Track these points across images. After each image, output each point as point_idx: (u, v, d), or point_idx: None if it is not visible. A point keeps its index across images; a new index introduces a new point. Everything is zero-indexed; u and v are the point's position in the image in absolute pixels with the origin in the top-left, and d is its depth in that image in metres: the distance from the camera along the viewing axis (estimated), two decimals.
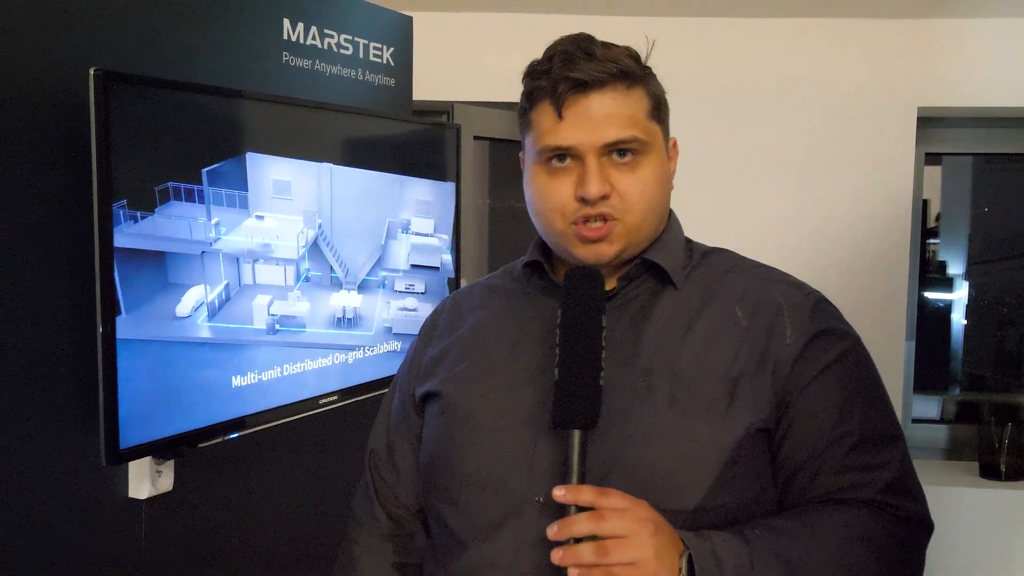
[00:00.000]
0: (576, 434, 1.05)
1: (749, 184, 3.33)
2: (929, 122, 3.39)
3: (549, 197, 1.18)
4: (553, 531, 1.01)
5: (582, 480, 1.04)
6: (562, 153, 1.16)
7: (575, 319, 1.09)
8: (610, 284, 1.22)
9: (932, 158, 3.66)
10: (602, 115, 1.14)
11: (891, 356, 3.24)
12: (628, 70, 1.16)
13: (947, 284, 3.94)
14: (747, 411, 1.13)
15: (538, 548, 1.09)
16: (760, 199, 3.32)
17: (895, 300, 3.30)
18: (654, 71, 1.22)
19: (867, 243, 3.29)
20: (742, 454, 1.13)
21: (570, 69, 1.13)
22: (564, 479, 1.05)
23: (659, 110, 1.20)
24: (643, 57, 1.20)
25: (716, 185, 3.28)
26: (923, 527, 1.19)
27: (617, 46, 1.19)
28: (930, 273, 3.97)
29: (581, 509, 1.02)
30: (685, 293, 1.22)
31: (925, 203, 3.74)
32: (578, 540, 1.01)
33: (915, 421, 3.55)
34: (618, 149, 1.15)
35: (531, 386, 1.19)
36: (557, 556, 1.00)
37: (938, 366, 3.85)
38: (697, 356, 1.16)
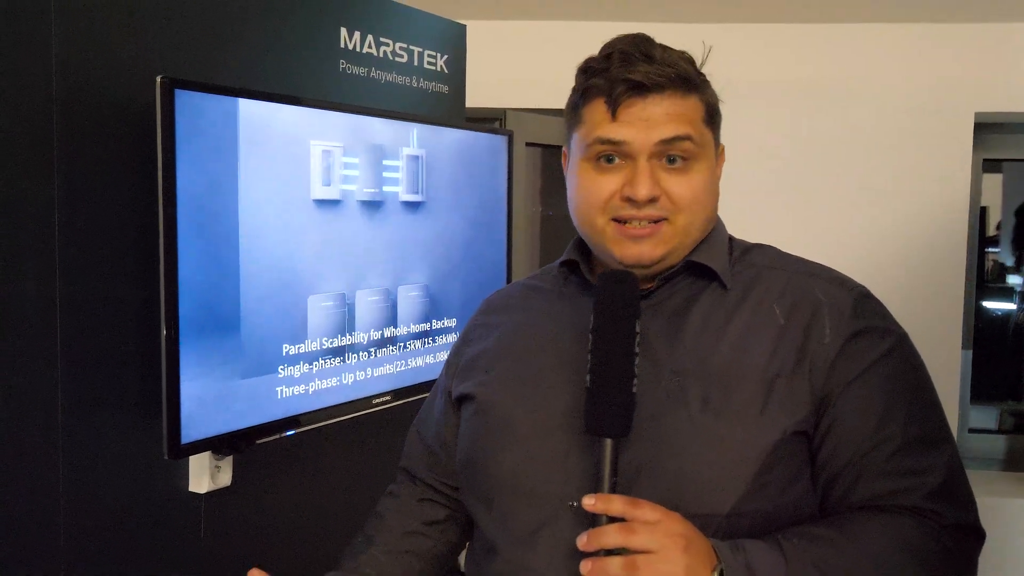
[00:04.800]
0: (608, 443, 1.03)
1: (804, 189, 3.31)
2: (987, 128, 3.34)
3: (592, 193, 1.15)
4: (583, 541, 0.99)
5: (613, 489, 1.02)
6: (611, 152, 1.13)
7: (608, 325, 1.06)
8: (648, 283, 1.19)
9: (992, 165, 3.60)
10: (658, 116, 1.12)
11: (947, 365, 3.20)
12: (686, 76, 1.13)
13: (1008, 293, 3.88)
14: (783, 413, 1.10)
15: (572, 556, 1.05)
16: (815, 204, 3.30)
17: (952, 308, 3.25)
18: (709, 77, 1.19)
19: (923, 250, 3.25)
20: (778, 458, 1.09)
21: (629, 70, 1.11)
22: (596, 486, 1.03)
23: (713, 118, 1.18)
24: (698, 63, 1.18)
25: (771, 190, 3.27)
26: (972, 535, 1.13)
27: (674, 50, 1.16)
28: (989, 282, 3.90)
29: (613, 519, 1.00)
30: (723, 291, 1.18)
31: (984, 210, 3.68)
32: (609, 551, 0.98)
33: (972, 431, 3.49)
34: (669, 155, 1.13)
35: (566, 388, 1.17)
36: (586, 568, 0.98)
37: (997, 376, 3.78)
38: (732, 356, 1.13)
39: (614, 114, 1.12)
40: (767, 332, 1.14)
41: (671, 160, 1.13)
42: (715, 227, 1.23)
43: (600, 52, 1.16)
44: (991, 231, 3.90)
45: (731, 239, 1.26)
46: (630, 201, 1.13)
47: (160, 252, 1.66)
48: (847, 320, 1.14)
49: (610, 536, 0.98)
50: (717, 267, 1.19)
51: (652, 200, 1.12)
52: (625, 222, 1.14)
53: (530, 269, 3.38)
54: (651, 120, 1.11)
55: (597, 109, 1.14)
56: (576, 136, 1.18)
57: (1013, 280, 3.88)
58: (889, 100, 3.25)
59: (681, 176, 1.14)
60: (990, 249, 3.88)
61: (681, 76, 1.13)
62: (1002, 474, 3.43)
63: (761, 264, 1.22)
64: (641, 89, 1.11)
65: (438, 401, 1.38)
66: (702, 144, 1.15)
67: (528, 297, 1.33)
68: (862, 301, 1.17)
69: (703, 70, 1.19)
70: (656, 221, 1.14)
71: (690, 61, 1.17)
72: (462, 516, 1.34)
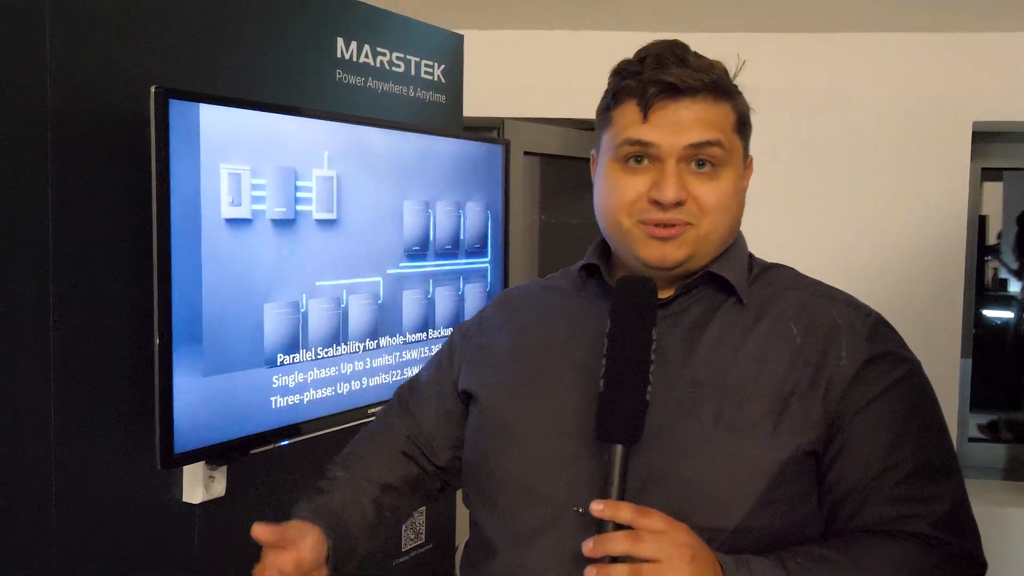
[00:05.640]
0: (618, 449, 1.02)
1: (803, 197, 3.31)
2: (986, 136, 3.34)
3: (620, 193, 1.15)
4: (589, 547, 0.99)
5: (622, 496, 1.02)
6: (641, 153, 1.14)
7: (624, 330, 1.06)
8: (667, 292, 1.19)
9: (991, 173, 3.60)
10: (688, 120, 1.12)
11: (946, 374, 3.19)
12: (720, 82, 1.14)
13: (1008, 302, 3.87)
14: (795, 431, 1.10)
15: (574, 561, 1.06)
16: (814, 213, 3.31)
17: (951, 317, 3.25)
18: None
19: (923, 258, 3.26)
20: (787, 476, 1.09)
21: (662, 72, 1.11)
22: (604, 492, 1.02)
23: (743, 127, 1.19)
24: (731, 74, 1.19)
25: (771, 198, 3.27)
26: (975, 566, 1.14)
27: (707, 58, 1.17)
28: (989, 290, 3.89)
29: (620, 526, 1.00)
30: (740, 306, 1.19)
31: (984, 219, 3.68)
32: (614, 559, 0.98)
33: (972, 440, 3.49)
34: (698, 159, 1.13)
35: (577, 392, 1.16)
36: (591, 574, 0.97)
37: (997, 384, 3.77)
38: (747, 371, 1.13)
39: (645, 115, 1.13)
40: (783, 350, 1.14)
41: (700, 164, 1.14)
42: (736, 241, 1.24)
43: (634, 55, 1.17)
44: (991, 239, 3.90)
45: (751, 256, 1.27)
46: (656, 204, 1.13)
47: (154, 259, 1.66)
48: (864, 344, 1.15)
49: (617, 543, 0.99)
50: (734, 280, 1.19)
51: (679, 203, 1.13)
52: (653, 225, 1.14)
53: (527, 278, 3.38)
54: (682, 123, 1.12)
55: (628, 111, 1.15)
56: (606, 138, 1.19)
57: (1013, 288, 3.87)
58: (888, 109, 3.25)
59: (709, 181, 1.14)
60: (988, 257, 3.88)
61: (714, 82, 1.14)
62: (1002, 483, 3.42)
63: (779, 284, 1.23)
64: (674, 91, 1.12)
65: (436, 376, 1.39)
66: (731, 151, 1.16)
67: (544, 297, 1.34)
68: (878, 327, 1.18)
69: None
70: (679, 224, 1.14)
71: (723, 69, 1.18)
72: (427, 483, 1.38)
